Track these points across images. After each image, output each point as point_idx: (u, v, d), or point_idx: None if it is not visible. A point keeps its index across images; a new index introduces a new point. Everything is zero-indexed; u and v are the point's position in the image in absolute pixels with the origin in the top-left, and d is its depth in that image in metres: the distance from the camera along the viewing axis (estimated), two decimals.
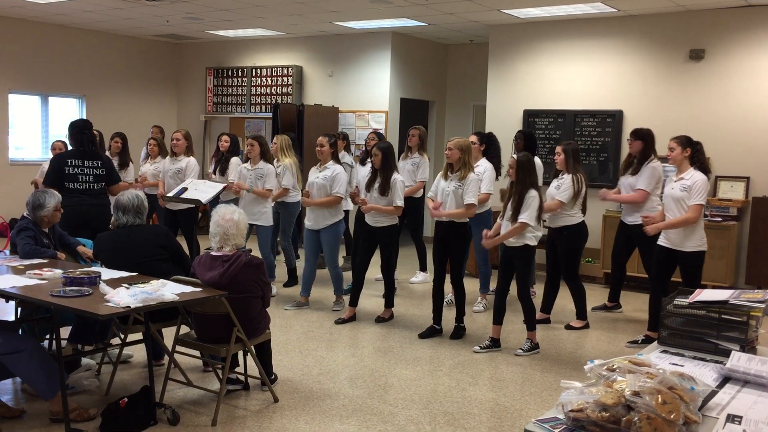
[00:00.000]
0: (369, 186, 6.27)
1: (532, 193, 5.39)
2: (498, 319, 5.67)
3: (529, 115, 9.21)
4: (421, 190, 7.63)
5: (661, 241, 5.64)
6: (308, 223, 6.67)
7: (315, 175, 6.64)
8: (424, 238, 8.16)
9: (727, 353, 2.40)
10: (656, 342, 2.72)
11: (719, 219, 7.63)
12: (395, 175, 6.18)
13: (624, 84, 8.59)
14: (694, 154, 5.55)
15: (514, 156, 5.59)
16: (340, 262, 8.40)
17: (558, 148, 6.28)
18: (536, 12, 8.53)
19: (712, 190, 7.90)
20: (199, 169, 7.73)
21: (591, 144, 8.80)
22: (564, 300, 6.77)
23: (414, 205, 7.62)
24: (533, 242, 5.52)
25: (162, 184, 7.66)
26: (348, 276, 7.30)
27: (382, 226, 6.25)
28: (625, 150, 8.04)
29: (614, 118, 8.61)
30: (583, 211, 6.26)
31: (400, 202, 6.15)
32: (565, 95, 8.97)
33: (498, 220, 5.74)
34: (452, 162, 5.85)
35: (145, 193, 7.77)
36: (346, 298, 6.68)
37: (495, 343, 5.69)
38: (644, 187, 6.27)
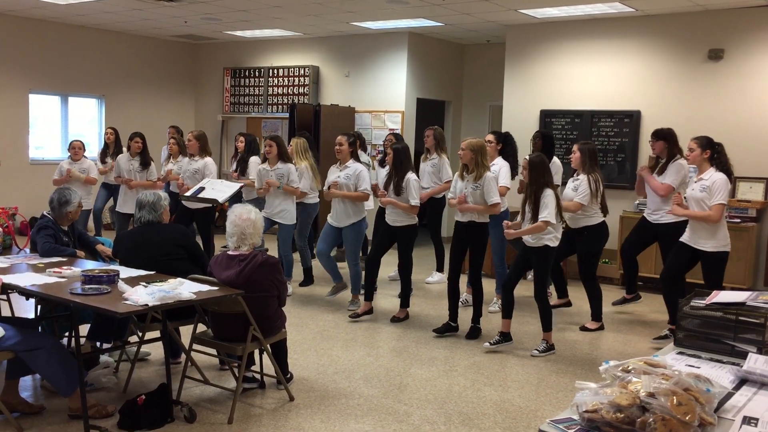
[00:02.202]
0: (386, 186, 6.31)
1: (548, 192, 5.38)
2: (507, 314, 5.68)
3: (546, 116, 9.18)
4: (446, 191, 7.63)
5: (684, 238, 5.61)
6: (332, 220, 6.69)
7: (336, 174, 6.67)
8: (443, 239, 8.16)
9: (744, 355, 2.38)
10: (672, 343, 2.71)
11: (738, 220, 7.57)
12: (409, 175, 6.19)
13: (642, 84, 8.54)
14: (714, 155, 5.50)
15: (527, 157, 5.59)
16: None
17: (575, 147, 6.27)
18: (553, 12, 8.50)
19: (732, 190, 7.82)
20: (216, 168, 7.78)
21: (608, 144, 8.75)
22: (580, 301, 6.74)
23: (434, 205, 7.62)
24: (553, 243, 5.50)
25: (182, 183, 7.71)
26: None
27: (401, 226, 6.27)
28: (644, 150, 8.00)
29: (632, 118, 8.56)
30: (604, 211, 6.24)
31: (415, 202, 6.16)
32: (583, 95, 8.93)
33: (518, 218, 5.73)
34: (466, 162, 5.86)
35: (170, 191, 7.89)
36: (362, 298, 6.69)
37: (505, 338, 5.69)
38: (670, 182, 6.21)
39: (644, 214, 6.56)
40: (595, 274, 6.36)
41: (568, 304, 6.84)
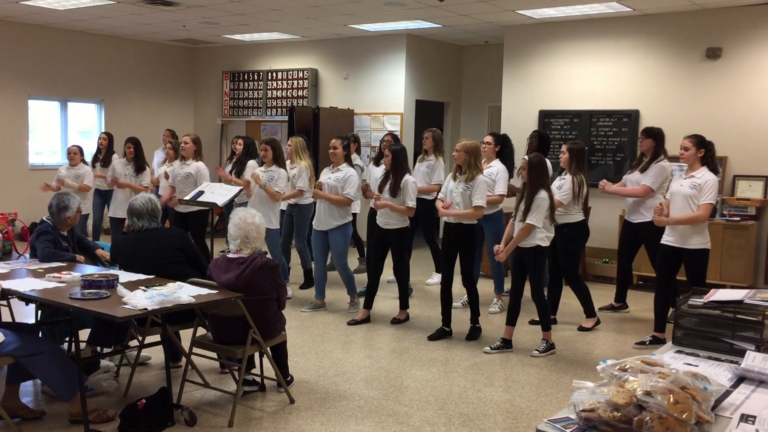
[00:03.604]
0: (381, 187, 6.30)
1: (542, 195, 5.39)
2: (511, 320, 5.67)
3: (545, 116, 9.19)
4: (435, 192, 7.63)
5: (665, 240, 5.61)
6: (316, 224, 6.69)
7: (327, 176, 6.67)
8: (438, 240, 8.16)
9: (742, 353, 2.39)
10: (671, 342, 2.71)
11: (737, 218, 7.57)
12: (406, 177, 6.19)
13: (640, 83, 8.54)
14: (707, 154, 5.51)
15: (526, 157, 5.59)
16: (355, 264, 8.45)
17: (563, 147, 6.28)
18: (551, 12, 8.50)
19: (731, 189, 7.84)
20: (208, 173, 7.76)
21: (607, 144, 8.76)
22: (574, 300, 6.73)
23: (427, 207, 7.63)
24: (545, 243, 5.51)
25: (170, 190, 7.67)
26: (363, 278, 7.31)
27: (392, 228, 6.25)
28: None
29: (630, 117, 8.56)
30: (585, 212, 6.25)
31: (412, 204, 6.16)
32: (581, 95, 8.94)
33: (510, 220, 5.74)
34: (459, 164, 5.86)
35: (159, 196, 7.88)
36: (361, 299, 6.69)
37: (506, 344, 5.69)
38: (649, 184, 6.25)
39: (625, 218, 6.59)
40: (578, 273, 6.37)
41: (553, 321, 6.69)
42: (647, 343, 5.81)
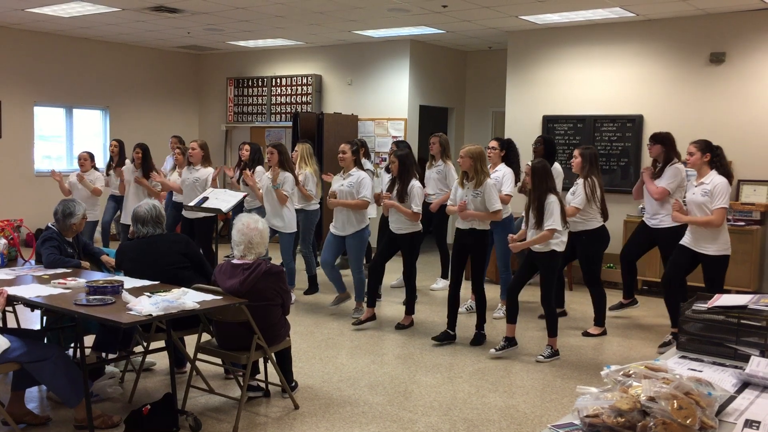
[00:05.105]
0: (389, 192, 6.31)
1: (552, 198, 5.38)
2: (512, 319, 5.67)
3: (549, 121, 9.19)
4: None
5: (685, 241, 5.59)
6: (334, 229, 6.70)
7: (339, 183, 6.68)
8: (448, 245, 8.17)
9: (746, 358, 2.38)
10: (675, 347, 2.71)
11: (742, 223, 7.56)
12: (413, 182, 6.20)
13: (644, 88, 8.54)
14: (714, 158, 5.50)
15: (529, 163, 5.59)
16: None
17: (576, 152, 6.27)
18: (554, 18, 8.51)
19: (735, 194, 7.82)
20: (216, 179, 7.79)
21: (611, 149, 8.75)
22: (583, 306, 6.73)
23: (440, 212, 7.64)
24: (560, 248, 5.49)
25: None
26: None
27: (404, 233, 6.27)
28: (646, 155, 7.99)
29: (634, 122, 8.56)
30: (604, 216, 6.22)
31: (417, 209, 6.17)
32: (585, 100, 8.94)
33: (522, 226, 5.73)
34: (466, 170, 5.86)
35: (174, 201, 7.92)
36: (366, 305, 6.69)
37: (510, 342, 5.69)
38: (665, 186, 6.21)
39: (643, 219, 6.55)
40: (599, 279, 6.35)
41: (563, 314, 6.75)
42: (669, 341, 5.77)
